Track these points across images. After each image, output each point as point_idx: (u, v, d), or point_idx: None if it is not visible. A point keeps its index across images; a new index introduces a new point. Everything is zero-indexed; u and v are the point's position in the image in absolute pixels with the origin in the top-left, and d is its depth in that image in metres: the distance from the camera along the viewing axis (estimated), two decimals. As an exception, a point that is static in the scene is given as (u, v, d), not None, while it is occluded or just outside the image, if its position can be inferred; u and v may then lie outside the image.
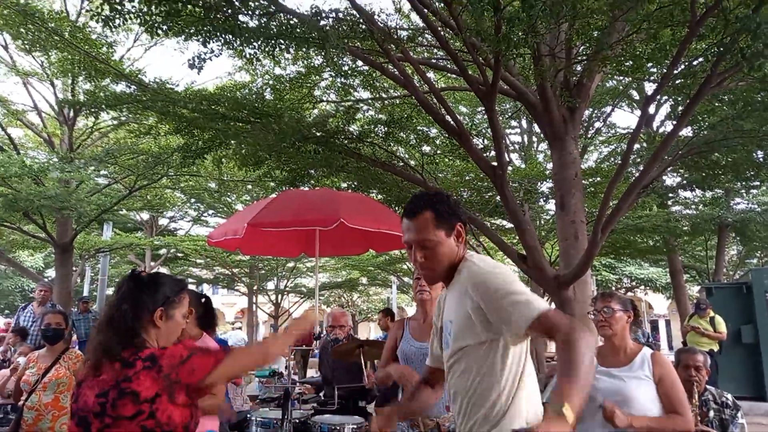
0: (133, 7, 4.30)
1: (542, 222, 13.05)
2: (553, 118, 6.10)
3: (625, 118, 74.02)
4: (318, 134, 7.27)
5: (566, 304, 5.77)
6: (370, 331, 38.58)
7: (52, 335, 4.09)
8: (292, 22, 4.90)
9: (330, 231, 4.66)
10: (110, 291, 20.82)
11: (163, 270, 21.89)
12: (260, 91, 7.99)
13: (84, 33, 7.28)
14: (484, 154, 8.11)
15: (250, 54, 5.55)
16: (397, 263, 20.59)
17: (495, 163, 5.83)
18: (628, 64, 5.97)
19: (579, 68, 6.18)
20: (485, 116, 8.08)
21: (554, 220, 9.47)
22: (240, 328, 21.67)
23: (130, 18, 4.38)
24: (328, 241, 5.37)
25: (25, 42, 8.20)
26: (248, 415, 4.44)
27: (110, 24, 4.32)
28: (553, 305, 1.53)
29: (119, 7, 4.21)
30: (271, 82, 8.10)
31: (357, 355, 4.18)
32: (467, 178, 10.32)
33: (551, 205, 12.09)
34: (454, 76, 8.64)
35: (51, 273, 20.76)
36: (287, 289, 25.53)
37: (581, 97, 6.16)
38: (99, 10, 4.22)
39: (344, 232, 4.80)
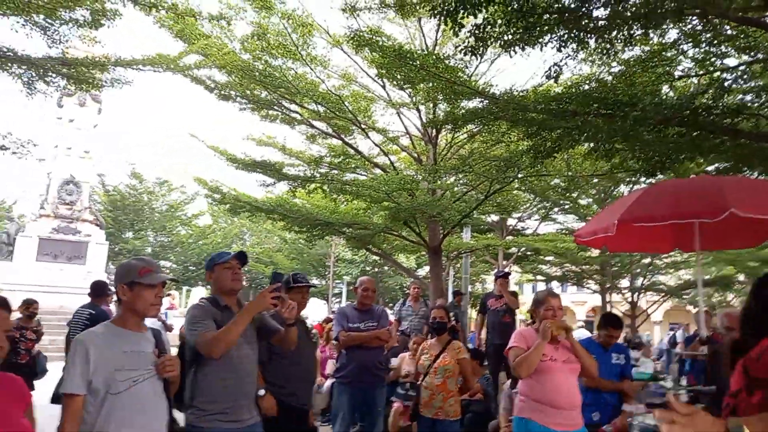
0: (493, 31, 4.67)
1: None
2: None
3: None
4: (683, 115, 6.52)
5: None
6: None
7: (438, 327, 4.79)
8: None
9: (713, 222, 4.11)
10: (469, 288, 22.88)
11: (515, 268, 22.96)
12: (604, 80, 7.64)
13: (444, 63, 8.24)
14: None
15: (601, 46, 5.37)
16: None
17: None
18: None
19: None
20: None
21: None
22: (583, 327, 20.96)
23: (491, 42, 4.76)
24: (710, 233, 4.75)
25: (397, 81, 9.80)
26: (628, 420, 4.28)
27: (476, 54, 4.79)
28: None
29: (483, 34, 4.63)
30: (618, 68, 7.67)
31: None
32: None
33: None
34: None
35: (420, 272, 24.11)
36: (644, 286, 23.62)
37: None
38: (466, 43, 4.72)
39: (731, 223, 4.16)
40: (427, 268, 19.98)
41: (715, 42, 6.47)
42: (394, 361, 6.47)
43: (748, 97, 7.02)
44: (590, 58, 9.11)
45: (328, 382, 7.65)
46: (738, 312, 4.44)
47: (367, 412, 5.06)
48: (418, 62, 8.50)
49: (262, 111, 12.97)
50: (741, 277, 22.44)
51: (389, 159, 13.65)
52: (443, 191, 12.65)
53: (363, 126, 12.51)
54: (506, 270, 13.67)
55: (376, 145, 13.80)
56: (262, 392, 3.66)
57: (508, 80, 43.11)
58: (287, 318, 3.25)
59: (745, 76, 7.60)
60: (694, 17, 4.46)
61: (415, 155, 13.70)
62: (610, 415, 4.46)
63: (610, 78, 7.63)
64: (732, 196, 3.84)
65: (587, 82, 8.27)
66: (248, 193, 14.03)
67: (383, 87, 12.46)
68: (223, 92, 12.13)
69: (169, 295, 17.80)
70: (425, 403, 4.66)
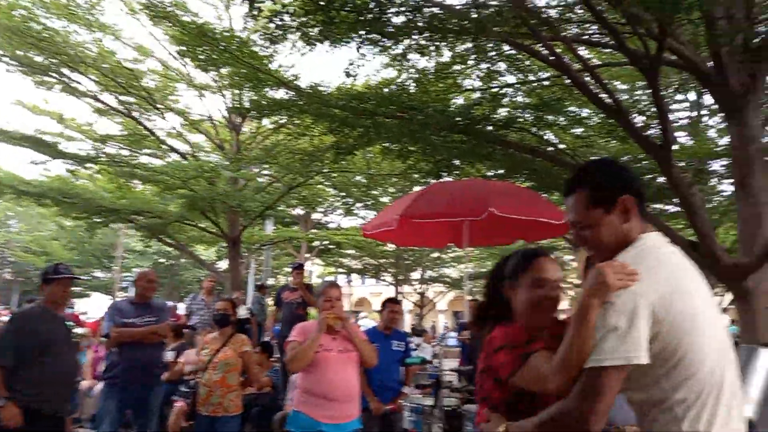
0: (293, 21, 4.63)
1: (714, 204, 11.72)
2: (731, 88, 5.43)
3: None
4: (463, 123, 7.24)
5: (745, 296, 5.15)
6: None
7: (221, 319, 4.60)
8: (440, 15, 4.93)
9: (478, 221, 4.62)
10: (271, 281, 22.73)
11: (317, 261, 23.40)
12: (405, 85, 8.15)
13: (248, 48, 7.98)
14: (646, 132, 7.49)
15: (397, 52, 5.68)
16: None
17: (660, 142, 5.35)
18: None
19: (762, 28, 5.43)
20: (645, 92, 7.42)
21: (730, 203, 8.45)
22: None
23: (291, 32, 4.72)
24: (477, 231, 5.34)
25: (200, 61, 9.23)
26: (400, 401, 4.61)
27: (275, 40, 4.71)
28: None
29: (281, 22, 4.57)
30: (415, 75, 8.24)
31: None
32: (624, 159, 9.60)
33: (726, 186, 10.82)
34: (608, 51, 8.06)
35: (221, 265, 23.22)
36: (431, 279, 25.89)
37: (765, 62, 5.40)
38: (264, 29, 4.61)
39: (494, 222, 4.74)
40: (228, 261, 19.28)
41: (495, 60, 7.29)
42: (169, 356, 6.07)
43: (518, 112, 8.05)
44: (392, 63, 9.68)
45: (100, 385, 6.89)
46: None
47: (140, 414, 4.65)
48: (221, 44, 8.12)
49: (36, 77, 11.18)
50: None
51: (188, 143, 12.82)
52: (246, 181, 12.30)
53: (159, 106, 11.55)
54: (301, 261, 13.79)
55: (173, 127, 12.87)
56: (1, 402, 3.21)
57: (331, 77, 43.70)
58: None
59: (519, 93, 8.73)
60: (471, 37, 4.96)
61: (218, 142, 13.10)
62: (394, 396, 4.73)
63: (412, 84, 8.14)
64: (493, 198, 4.36)
65: (390, 85, 8.73)
66: (15, 173, 12.02)
67: (185, 66, 11.66)
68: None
69: None
70: (203, 401, 4.41)
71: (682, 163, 9.30)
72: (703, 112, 12.51)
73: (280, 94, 8.87)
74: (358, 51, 5.07)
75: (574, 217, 1.56)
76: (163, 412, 5.42)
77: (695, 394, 1.37)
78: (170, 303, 9.42)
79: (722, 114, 6.08)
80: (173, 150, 12.81)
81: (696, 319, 1.40)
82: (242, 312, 9.38)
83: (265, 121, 11.98)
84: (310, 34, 4.75)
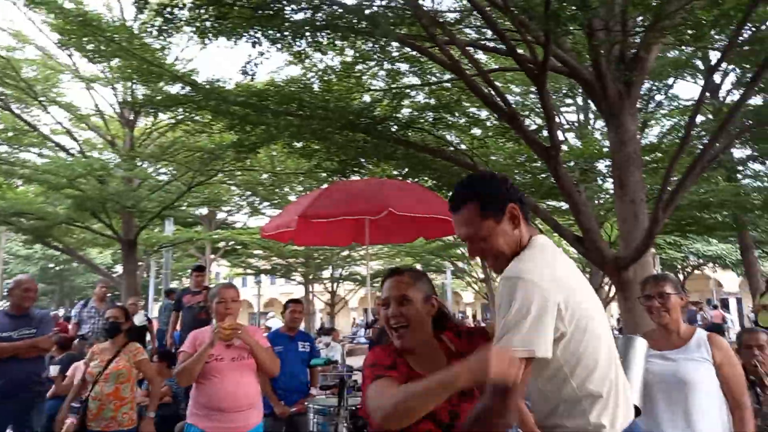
0: (183, 14, 4.42)
1: (601, 201, 12.63)
2: (609, 95, 5.86)
3: (689, 90, 70.35)
4: (365, 122, 7.28)
5: (626, 286, 5.58)
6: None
7: (110, 328, 4.30)
8: (338, 12, 4.91)
9: (379, 219, 4.67)
10: (174, 284, 21.71)
11: (223, 262, 22.66)
12: (308, 83, 8.06)
13: (139, 40, 7.54)
14: (538, 135, 7.90)
15: (298, 49, 5.60)
16: (451, 249, 20.48)
17: (548, 144, 5.67)
18: (689, 33, 5.65)
19: (636, 40, 5.90)
20: (538, 96, 7.80)
21: (613, 200, 9.14)
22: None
23: (181, 26, 4.50)
24: (378, 229, 5.39)
25: (86, 52, 8.59)
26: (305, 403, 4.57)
27: (164, 33, 4.46)
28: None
29: (170, 16, 4.34)
30: (318, 73, 8.17)
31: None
32: (520, 160, 10.10)
33: (610, 184, 11.67)
34: (503, 56, 8.43)
35: (119, 269, 21.86)
36: (342, 277, 25.91)
37: (638, 71, 5.88)
38: (153, 21, 4.37)
39: (394, 220, 4.81)
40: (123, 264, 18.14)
41: (396, 60, 7.39)
42: (52, 370, 5.62)
43: (419, 113, 8.21)
44: (294, 61, 9.54)
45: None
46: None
47: (19, 434, 4.27)
48: (108, 34, 7.60)
49: None
50: (419, 266, 26.49)
51: (76, 140, 11.90)
52: (141, 180, 11.62)
53: (42, 98, 10.63)
54: (201, 263, 13.29)
55: (59, 123, 11.89)
56: None
57: (235, 73, 42.24)
58: None
59: (417, 94, 8.91)
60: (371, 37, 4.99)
61: (109, 138, 12.27)
62: (300, 399, 4.67)
63: (317, 82, 8.05)
64: (391, 197, 4.41)
65: (294, 83, 8.58)
66: None
67: (71, 56, 10.81)
68: None
69: None
70: (94, 416, 4.11)
71: (572, 163, 9.94)
72: (590, 115, 13.49)
73: (177, 88, 8.47)
74: (254, 47, 4.93)
75: (468, 231, 1.59)
76: (49, 430, 5.01)
77: (598, 388, 1.45)
78: (54, 312, 8.70)
79: (603, 118, 6.54)
80: (60, 147, 11.84)
81: (591, 316, 1.49)
82: (138, 319, 8.88)
83: (162, 117, 11.39)
84: (203, 28, 4.54)
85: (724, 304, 26.56)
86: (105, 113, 12.15)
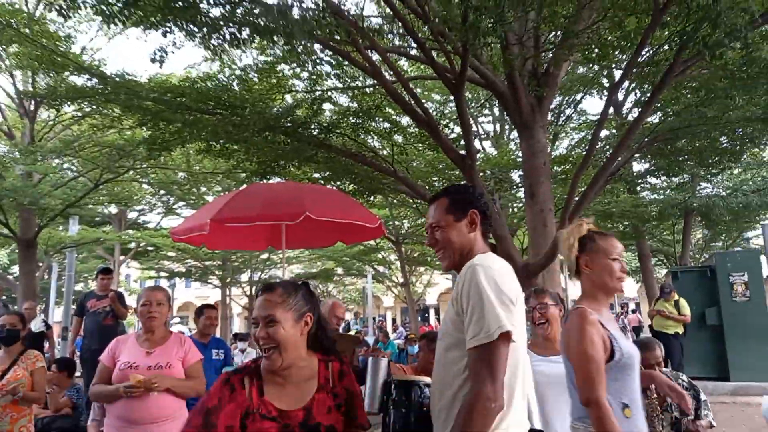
0: (85, -5, 4.15)
1: (514, 210, 13.15)
2: (522, 107, 6.12)
3: (597, 105, 75.12)
4: (286, 124, 7.16)
5: (537, 292, 5.82)
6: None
7: (7, 337, 3.97)
8: (256, 11, 4.79)
9: (297, 224, 4.59)
10: (79, 287, 20.34)
11: (134, 264, 21.50)
12: (227, 82, 7.83)
13: (41, 26, 7.00)
14: (456, 143, 8.10)
15: (214, 45, 5.42)
16: (372, 253, 20.60)
17: (464, 153, 5.82)
18: (595, 51, 6.01)
19: (547, 56, 6.20)
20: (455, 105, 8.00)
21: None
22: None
23: (86, 8, 4.21)
24: (296, 234, 5.31)
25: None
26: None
27: (66, 15, 4.16)
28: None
29: (73, -4, 4.06)
30: (237, 72, 7.95)
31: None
32: (439, 167, 10.33)
33: (523, 193, 12.19)
34: (425, 65, 8.58)
35: (17, 270, 20.21)
36: (261, 281, 25.35)
37: (549, 86, 6.18)
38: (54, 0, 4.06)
39: (311, 225, 4.74)
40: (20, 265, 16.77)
41: (318, 62, 7.32)
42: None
43: (340, 117, 8.19)
44: (211, 57, 9.22)
45: None
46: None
47: None
48: (4, 18, 7.01)
49: None
50: (339, 270, 26.39)
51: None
52: (42, 176, 10.79)
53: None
54: (108, 265, 12.54)
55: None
56: None
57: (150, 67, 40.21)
58: None
59: (340, 98, 8.89)
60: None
61: (6, 129, 11.32)
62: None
63: (232, 81, 7.81)
64: (309, 202, 4.35)
65: (208, 80, 8.29)
66: None
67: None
68: None
69: None
70: (-12, 429, 3.76)
71: (488, 172, 10.29)
72: (506, 126, 14.02)
73: (83, 80, 7.95)
74: (164, 36, 4.70)
75: (432, 219, 1.81)
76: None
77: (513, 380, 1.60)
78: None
79: (516, 129, 6.82)
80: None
81: (522, 329, 1.66)
82: (36, 325, 8.21)
83: (67, 109, 10.65)
84: (109, 12, 4.26)
85: (624, 310, 28.47)
86: (1, 102, 11.21)
